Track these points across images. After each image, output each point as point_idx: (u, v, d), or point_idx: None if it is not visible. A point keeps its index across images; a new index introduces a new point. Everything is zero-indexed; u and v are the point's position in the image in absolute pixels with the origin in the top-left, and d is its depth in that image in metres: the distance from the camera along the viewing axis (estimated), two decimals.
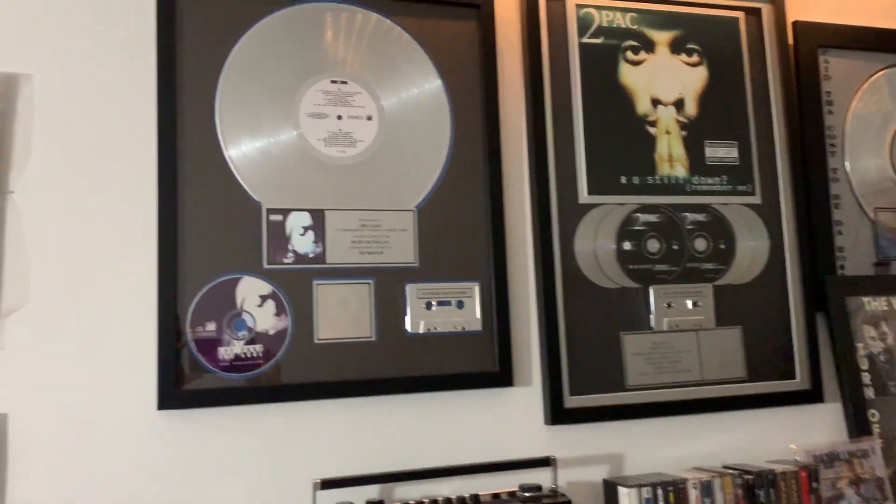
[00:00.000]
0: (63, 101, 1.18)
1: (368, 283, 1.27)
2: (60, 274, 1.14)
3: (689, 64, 1.51)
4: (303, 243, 1.25)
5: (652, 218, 1.44)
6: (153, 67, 1.22)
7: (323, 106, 1.29)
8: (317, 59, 1.30)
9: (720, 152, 1.50)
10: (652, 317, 1.41)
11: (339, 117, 1.30)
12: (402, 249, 1.29)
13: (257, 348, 1.20)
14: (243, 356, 1.19)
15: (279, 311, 1.22)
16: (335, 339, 1.24)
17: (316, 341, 1.23)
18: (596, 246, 1.40)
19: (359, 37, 1.32)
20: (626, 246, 1.42)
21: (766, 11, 1.58)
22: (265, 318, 1.21)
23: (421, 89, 1.35)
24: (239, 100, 1.25)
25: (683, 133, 1.48)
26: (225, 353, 1.18)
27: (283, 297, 1.22)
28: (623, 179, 1.43)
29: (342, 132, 1.29)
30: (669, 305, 1.42)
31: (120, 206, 1.18)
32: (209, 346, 1.17)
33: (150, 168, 1.20)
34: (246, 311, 1.20)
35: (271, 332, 1.21)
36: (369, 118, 1.31)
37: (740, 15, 1.56)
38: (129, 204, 1.19)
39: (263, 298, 1.21)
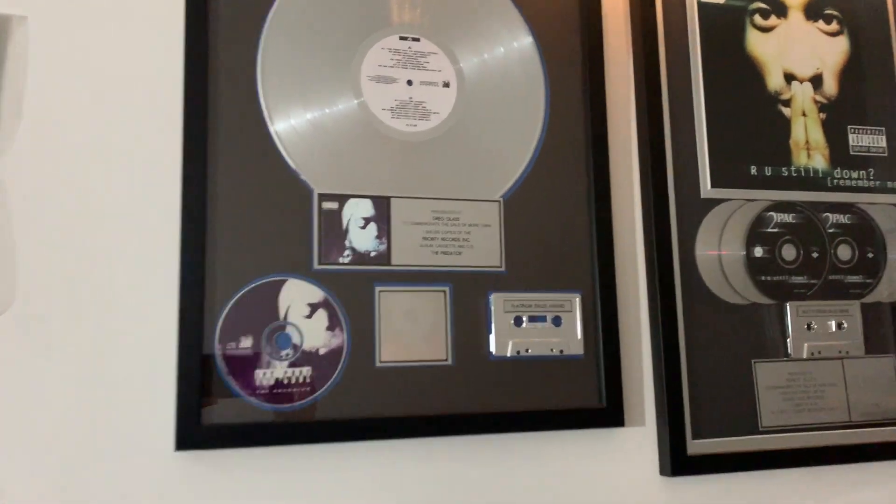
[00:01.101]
0: (65, 52, 0.93)
1: (444, 291, 1.00)
2: (56, 271, 0.88)
3: (827, 33, 1.24)
4: (363, 238, 0.98)
5: (787, 218, 1.16)
6: (180, 17, 0.96)
7: (390, 68, 1.03)
8: (381, 10, 1.04)
9: (866, 140, 1.22)
10: (789, 341, 1.13)
11: (410, 82, 1.03)
12: (486, 250, 1.03)
13: (305, 372, 0.93)
14: (287, 381, 0.92)
15: (333, 325, 0.95)
16: (402, 362, 0.97)
17: (378, 364, 0.96)
18: (721, 251, 1.12)
19: None
20: (757, 252, 1.14)
21: None
22: (315, 333, 0.94)
23: (508, 48, 1.08)
24: (287, 61, 0.99)
25: (822, 115, 1.21)
26: (263, 377, 0.91)
27: (337, 307, 0.95)
28: (753, 170, 1.16)
29: (413, 101, 1.03)
30: (809, 327, 1.14)
31: (133, 187, 0.92)
32: (243, 367, 0.91)
33: (174, 140, 0.94)
34: (291, 324, 0.93)
35: (322, 352, 0.94)
36: (446, 84, 1.05)
37: None
38: (144, 185, 0.93)
39: (313, 307, 0.95)
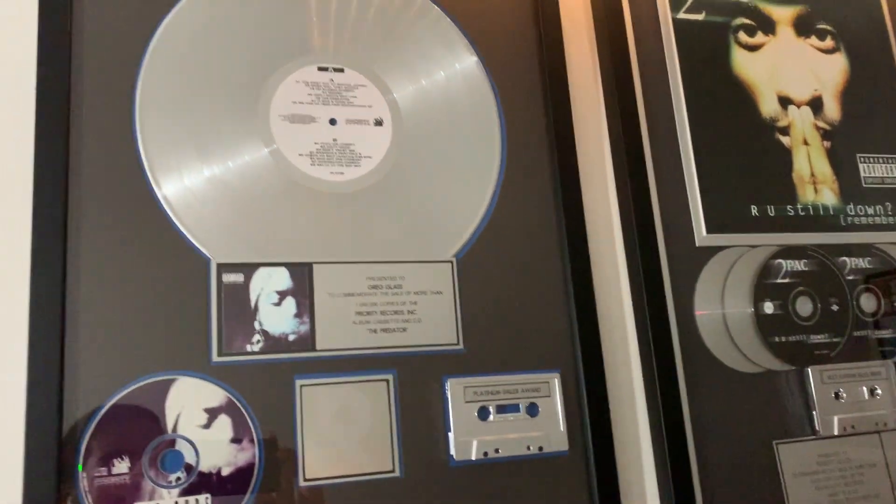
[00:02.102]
0: None
1: (386, 380, 0.78)
2: None
3: (822, 50, 1.08)
4: (278, 318, 0.76)
5: (799, 265, 0.97)
6: (32, 56, 0.76)
7: (307, 105, 0.83)
8: (294, 35, 0.85)
9: (879, 170, 1.05)
10: (816, 414, 0.92)
11: (333, 121, 0.84)
12: (438, 323, 0.81)
13: (202, 501, 0.70)
14: None
15: (239, 435, 0.72)
16: (335, 478, 0.74)
17: (302, 484, 0.73)
18: (725, 309, 0.92)
19: (347, 3, 0.88)
20: (767, 308, 0.94)
21: None
22: (215, 448, 0.71)
23: (450, 71, 0.89)
24: (174, 105, 0.78)
25: (826, 144, 1.03)
26: None
27: (245, 411, 0.73)
28: (754, 210, 0.97)
29: (338, 144, 0.83)
30: (837, 396, 0.94)
31: None
32: (117, 499, 0.67)
33: (23, 213, 0.72)
34: (183, 438, 0.70)
35: (226, 472, 0.71)
36: (378, 122, 0.85)
37: None
38: None
39: (212, 413, 0.72)
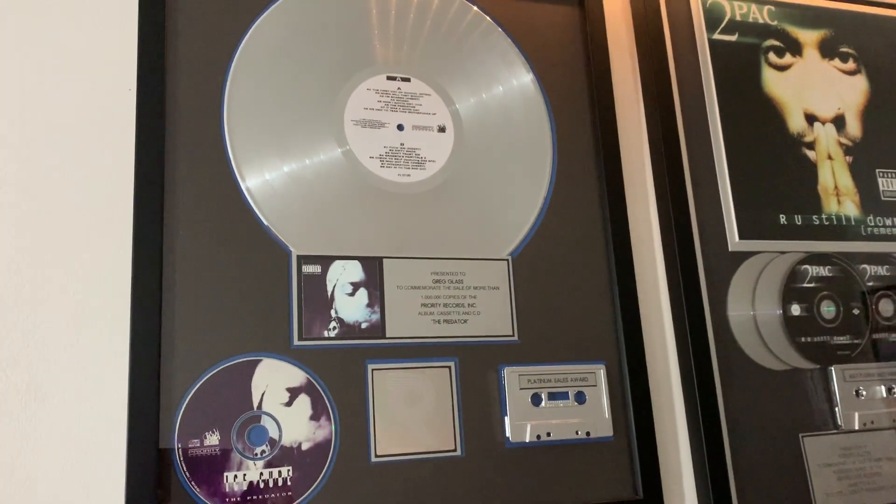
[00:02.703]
0: (5, 101, 0.78)
1: (449, 367, 0.85)
2: None
3: (844, 72, 1.15)
4: (352, 307, 0.83)
5: (824, 271, 1.04)
6: (132, 59, 0.83)
7: (377, 111, 0.90)
8: (365, 47, 0.92)
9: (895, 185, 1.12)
10: (838, 410, 0.99)
11: (401, 127, 0.90)
12: (495, 316, 0.88)
13: (284, 473, 0.76)
14: (263, 485, 0.75)
15: (317, 413, 0.78)
16: (402, 455, 0.80)
17: (373, 459, 0.79)
18: (756, 311, 0.99)
19: (418, 18, 0.95)
20: (795, 310, 1.01)
21: None
22: (296, 425, 0.77)
23: (508, 87, 0.96)
24: (258, 107, 0.85)
25: (849, 159, 1.11)
26: (234, 481, 0.74)
27: (322, 391, 0.79)
28: (783, 219, 1.04)
29: (405, 148, 0.90)
30: (858, 393, 1.01)
31: (78, 251, 0.76)
32: (210, 469, 0.74)
33: (125, 204, 0.79)
34: (267, 414, 0.77)
35: (306, 447, 0.77)
36: (442, 129, 0.92)
37: None
38: (91, 249, 0.77)
39: (293, 393, 0.78)
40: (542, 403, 0.86)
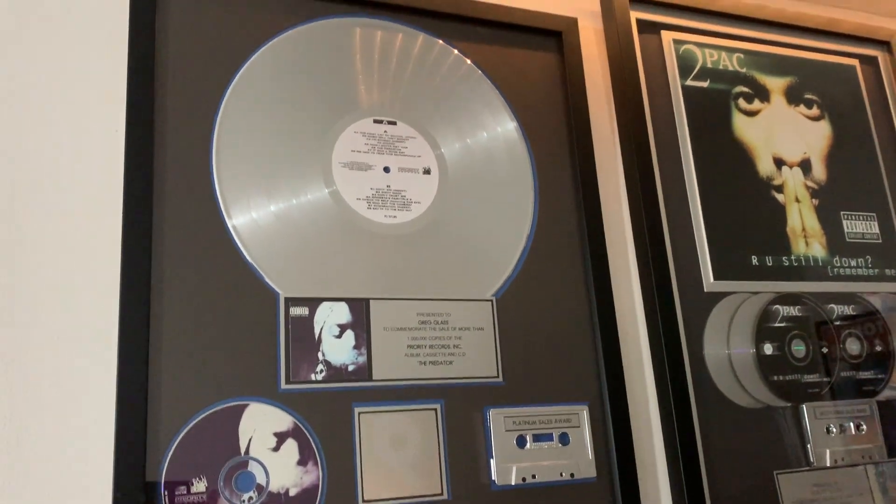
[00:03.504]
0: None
1: (434, 409, 0.85)
2: None
3: (809, 117, 1.20)
4: (339, 349, 0.83)
5: (794, 311, 1.07)
6: (121, 97, 0.82)
7: (365, 153, 0.91)
8: (352, 90, 0.93)
9: (859, 226, 1.17)
10: (810, 447, 1.02)
11: (387, 169, 0.91)
12: (480, 357, 0.89)
13: None
14: None
15: (305, 458, 0.78)
16: (390, 499, 0.80)
17: None
18: (731, 349, 1.02)
19: (401, 62, 0.96)
20: (767, 349, 1.04)
21: (883, 61, 1.29)
22: (284, 470, 0.76)
23: (492, 133, 0.98)
24: (247, 146, 0.85)
25: (815, 201, 1.15)
26: None
27: (310, 435, 0.79)
28: (754, 260, 1.07)
29: (391, 190, 0.91)
30: (828, 430, 1.03)
31: (63, 288, 0.75)
32: None
33: (112, 237, 0.78)
34: (254, 459, 0.76)
35: (293, 492, 0.76)
36: (427, 171, 0.93)
37: (855, 63, 1.27)
38: (76, 286, 0.75)
39: (281, 437, 0.77)
40: (528, 445, 0.87)
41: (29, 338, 0.73)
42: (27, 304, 0.73)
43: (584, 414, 0.91)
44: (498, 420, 0.87)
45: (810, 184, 1.15)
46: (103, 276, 0.77)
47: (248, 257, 0.82)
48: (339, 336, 0.83)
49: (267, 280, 0.82)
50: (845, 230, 1.15)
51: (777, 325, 1.05)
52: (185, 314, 0.77)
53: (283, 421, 0.78)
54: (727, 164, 1.10)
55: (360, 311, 0.85)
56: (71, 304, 0.75)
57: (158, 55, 0.84)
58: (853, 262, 1.14)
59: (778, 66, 1.20)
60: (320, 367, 0.81)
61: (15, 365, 0.71)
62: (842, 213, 1.16)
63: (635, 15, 1.11)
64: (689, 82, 1.12)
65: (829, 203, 1.16)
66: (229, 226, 0.82)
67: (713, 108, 1.12)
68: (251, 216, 0.83)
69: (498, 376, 0.89)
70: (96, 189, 0.79)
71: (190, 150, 0.83)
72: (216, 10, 0.89)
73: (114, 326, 0.75)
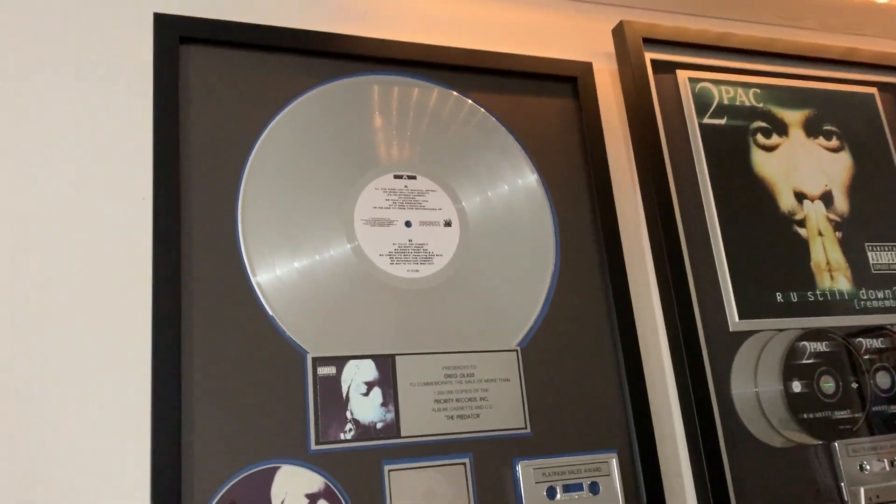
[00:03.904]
0: (25, 203, 0.79)
1: (463, 464, 0.85)
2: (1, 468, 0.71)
3: (829, 149, 1.19)
4: (366, 407, 0.83)
5: (821, 347, 1.07)
6: (148, 159, 0.84)
7: (386, 209, 0.92)
8: (372, 148, 0.94)
9: (885, 257, 1.16)
10: (843, 486, 1.01)
11: (409, 224, 0.92)
12: (507, 409, 0.89)
13: None
14: None
15: None
16: None
17: None
18: (759, 388, 1.01)
19: (418, 117, 0.97)
20: (795, 387, 1.03)
21: None
22: None
23: (513, 185, 0.99)
24: (271, 205, 0.87)
25: (838, 234, 1.14)
26: None
27: (340, 495, 0.79)
28: (779, 297, 1.07)
29: (413, 244, 0.92)
30: (862, 468, 1.02)
31: (97, 359, 0.77)
32: None
33: (142, 303, 0.80)
34: None
35: None
36: (447, 223, 0.94)
37: (874, 91, 1.27)
38: (109, 358, 0.77)
39: (312, 499, 0.78)
40: (558, 496, 0.87)
41: (63, 404, 0.74)
42: (60, 371, 0.75)
43: (614, 462, 0.91)
44: (528, 472, 0.87)
45: (833, 216, 1.15)
46: (134, 346, 0.78)
47: (273, 316, 0.83)
48: (367, 394, 0.84)
49: (294, 339, 0.83)
50: (870, 262, 1.15)
51: (805, 361, 1.05)
52: (217, 378, 0.79)
53: (314, 482, 0.79)
54: (748, 201, 1.10)
55: (387, 367, 0.86)
56: (102, 371, 0.76)
57: (182, 122, 0.86)
58: (880, 294, 1.13)
59: (795, 98, 1.20)
60: (349, 426, 0.82)
61: (49, 438, 0.73)
62: (866, 244, 1.15)
63: (650, 55, 1.11)
64: (706, 120, 1.12)
65: (853, 235, 1.15)
66: (254, 283, 0.83)
67: (731, 145, 1.12)
68: (275, 273, 0.85)
69: (525, 427, 0.89)
70: (125, 255, 0.81)
71: (216, 211, 0.84)
72: (238, 74, 0.91)
73: (146, 395, 0.76)
